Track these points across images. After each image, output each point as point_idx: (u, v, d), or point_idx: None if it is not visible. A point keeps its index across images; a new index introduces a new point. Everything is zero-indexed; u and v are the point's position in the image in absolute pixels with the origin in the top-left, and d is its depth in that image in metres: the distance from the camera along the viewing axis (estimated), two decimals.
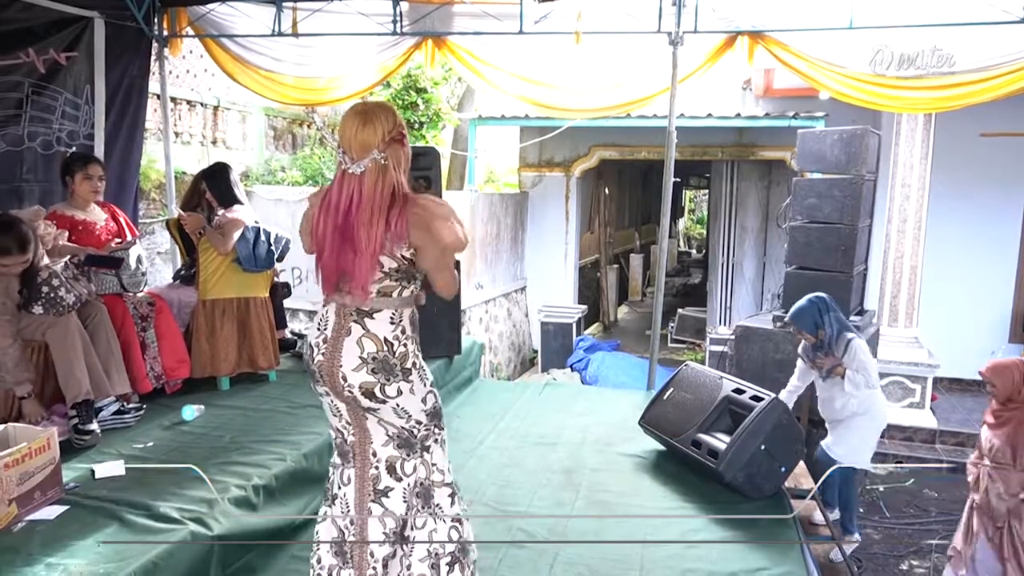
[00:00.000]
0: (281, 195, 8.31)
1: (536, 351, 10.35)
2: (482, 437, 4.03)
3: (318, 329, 2.14)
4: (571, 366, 9.35)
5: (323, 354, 2.10)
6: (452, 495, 2.24)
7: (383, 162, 2.02)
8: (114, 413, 3.35)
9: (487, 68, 5.21)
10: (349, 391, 2.08)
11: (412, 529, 2.17)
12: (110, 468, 2.84)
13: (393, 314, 2.10)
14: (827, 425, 4.14)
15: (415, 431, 2.16)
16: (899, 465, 6.58)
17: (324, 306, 2.16)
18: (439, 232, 2.03)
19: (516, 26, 4.87)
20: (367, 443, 2.17)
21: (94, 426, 3.16)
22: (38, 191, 4.28)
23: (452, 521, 2.21)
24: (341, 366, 2.07)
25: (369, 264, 2.01)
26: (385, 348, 2.08)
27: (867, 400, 3.87)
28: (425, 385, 2.15)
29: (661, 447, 3.83)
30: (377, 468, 2.16)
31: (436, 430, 2.21)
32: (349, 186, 2.03)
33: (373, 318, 2.08)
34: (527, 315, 10.84)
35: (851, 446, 3.94)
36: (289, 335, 4.73)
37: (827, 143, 5.20)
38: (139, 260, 3.80)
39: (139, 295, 3.83)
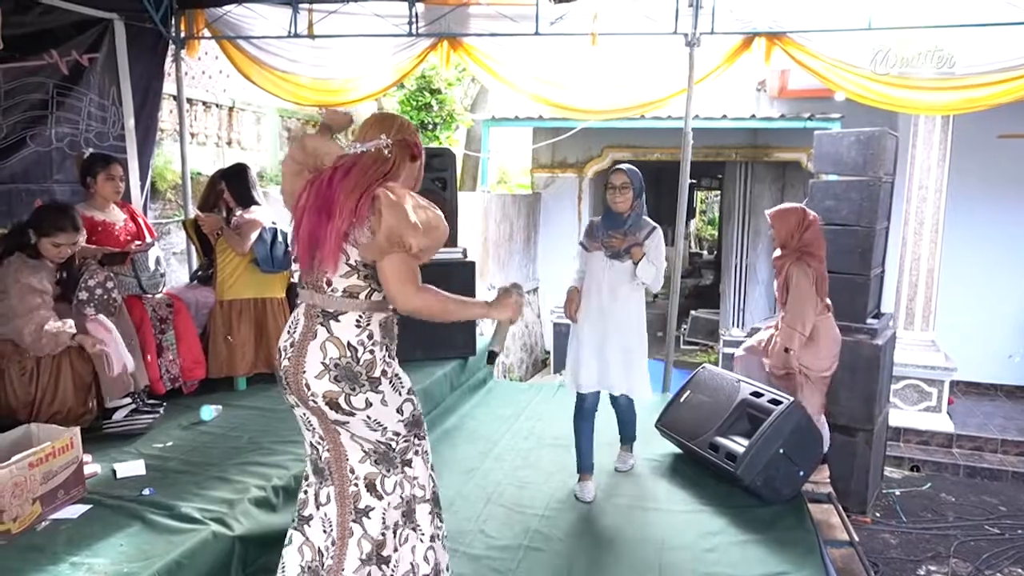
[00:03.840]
0: None
1: (548, 352, 10.33)
2: (497, 438, 4.03)
3: (287, 332, 2.01)
4: None
5: (288, 359, 1.96)
6: (432, 512, 2.11)
7: (387, 152, 1.95)
8: (126, 416, 3.32)
9: (503, 69, 5.22)
10: (313, 401, 1.93)
11: (395, 550, 2.02)
12: (131, 468, 2.86)
13: (360, 317, 1.94)
14: (586, 332, 3.49)
15: (393, 444, 2.00)
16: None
17: (298, 308, 2.04)
18: (389, 214, 1.83)
19: (532, 27, 4.87)
20: (343, 459, 2.01)
21: (154, 401, 3.33)
22: (68, 191, 4.31)
23: (429, 542, 2.09)
24: (304, 372, 1.92)
25: (339, 231, 1.86)
26: (348, 354, 1.91)
27: (641, 301, 3.54)
28: (400, 394, 2.00)
29: (678, 450, 3.82)
30: (356, 485, 2.00)
31: (416, 440, 2.06)
32: (345, 161, 1.96)
33: (339, 320, 1.93)
34: (539, 316, 10.83)
35: (637, 379, 3.59)
36: None
37: (844, 145, 5.16)
38: (158, 261, 3.82)
39: (157, 296, 3.86)
